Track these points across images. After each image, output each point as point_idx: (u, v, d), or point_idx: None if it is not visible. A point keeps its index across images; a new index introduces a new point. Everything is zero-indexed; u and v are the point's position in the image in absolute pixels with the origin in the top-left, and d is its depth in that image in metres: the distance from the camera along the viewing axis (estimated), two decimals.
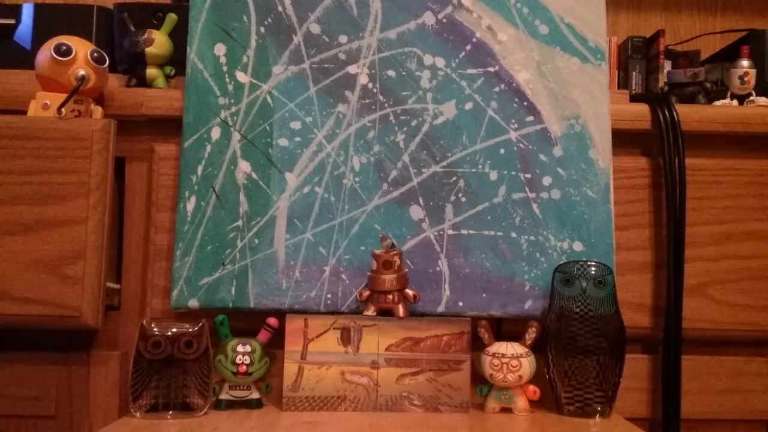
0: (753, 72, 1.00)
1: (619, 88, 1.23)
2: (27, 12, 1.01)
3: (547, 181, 0.89)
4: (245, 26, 0.91)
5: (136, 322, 0.87)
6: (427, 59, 0.91)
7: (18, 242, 0.81)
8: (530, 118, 0.90)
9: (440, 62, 0.91)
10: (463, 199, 0.88)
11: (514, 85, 0.90)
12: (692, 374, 0.89)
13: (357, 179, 0.88)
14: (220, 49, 0.90)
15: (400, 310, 0.82)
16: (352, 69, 0.90)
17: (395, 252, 0.83)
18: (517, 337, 0.83)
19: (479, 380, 0.84)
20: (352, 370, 0.82)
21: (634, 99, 0.96)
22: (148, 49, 0.92)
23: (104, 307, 0.83)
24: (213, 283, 0.86)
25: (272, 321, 0.83)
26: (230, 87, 0.89)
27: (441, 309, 0.86)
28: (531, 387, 0.82)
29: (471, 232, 0.88)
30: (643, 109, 0.92)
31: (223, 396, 0.82)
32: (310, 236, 0.87)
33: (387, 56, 0.91)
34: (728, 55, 1.13)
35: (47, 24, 1.00)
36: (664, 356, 0.87)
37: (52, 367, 0.85)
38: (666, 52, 1.18)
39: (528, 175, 0.89)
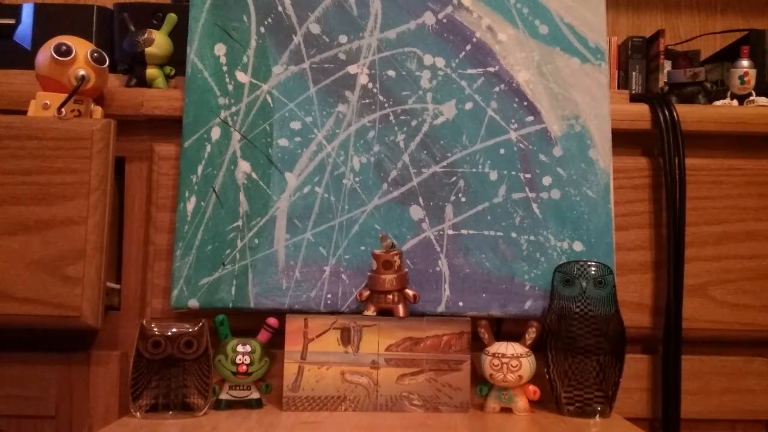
0: (753, 72, 1.00)
1: (619, 88, 1.23)
2: (27, 12, 1.01)
3: (547, 181, 0.89)
4: (245, 26, 0.91)
5: (136, 322, 0.87)
6: (427, 59, 0.91)
7: (18, 242, 0.81)
8: (530, 118, 0.90)
9: (440, 62, 0.91)
10: (463, 199, 0.88)
11: (514, 85, 0.90)
12: (692, 374, 0.89)
13: (357, 179, 0.88)
14: (220, 49, 0.90)
15: (400, 310, 0.82)
16: (352, 69, 0.90)
17: (395, 252, 0.83)
18: (517, 337, 0.83)
19: (479, 380, 0.84)
20: (352, 370, 0.82)
21: (634, 99, 0.96)
22: (148, 49, 0.92)
23: (104, 307, 0.83)
24: (213, 283, 0.86)
25: (272, 321, 0.83)
26: (230, 87, 0.89)
27: (441, 309, 0.86)
28: (531, 387, 0.82)
29: (471, 232, 0.88)
30: (643, 109, 0.92)
31: (223, 396, 0.82)
32: (310, 236, 0.87)
33: (387, 56, 0.91)
34: (728, 55, 1.13)
35: (47, 24, 1.00)
36: (664, 356, 0.87)
37: (52, 367, 0.85)
38: (666, 52, 1.18)
39: (528, 175, 0.89)
